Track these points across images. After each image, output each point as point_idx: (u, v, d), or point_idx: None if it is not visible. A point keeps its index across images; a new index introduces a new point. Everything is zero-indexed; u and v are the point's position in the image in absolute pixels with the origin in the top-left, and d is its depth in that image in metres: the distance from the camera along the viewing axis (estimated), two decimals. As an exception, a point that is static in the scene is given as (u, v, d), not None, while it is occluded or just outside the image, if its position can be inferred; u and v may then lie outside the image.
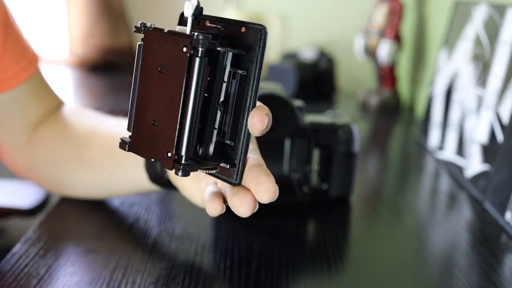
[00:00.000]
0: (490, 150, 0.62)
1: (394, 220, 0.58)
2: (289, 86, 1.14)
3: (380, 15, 1.10)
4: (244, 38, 0.32)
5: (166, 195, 0.60)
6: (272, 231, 0.53)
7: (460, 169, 0.69)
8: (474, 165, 0.66)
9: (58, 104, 0.59)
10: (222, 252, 0.48)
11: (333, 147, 0.57)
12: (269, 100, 0.53)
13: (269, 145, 0.59)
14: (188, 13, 0.31)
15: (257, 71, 0.32)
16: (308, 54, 1.26)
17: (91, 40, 1.52)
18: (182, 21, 0.34)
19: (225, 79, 0.33)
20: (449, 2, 0.90)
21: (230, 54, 0.32)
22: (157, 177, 0.49)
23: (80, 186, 0.55)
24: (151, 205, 0.57)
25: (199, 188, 0.42)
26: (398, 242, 0.53)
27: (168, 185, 0.49)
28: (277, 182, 0.61)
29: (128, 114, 0.34)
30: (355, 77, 1.43)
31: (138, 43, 0.33)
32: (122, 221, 0.53)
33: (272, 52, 1.42)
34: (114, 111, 0.85)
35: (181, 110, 0.30)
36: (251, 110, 0.32)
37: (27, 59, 0.55)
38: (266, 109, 0.32)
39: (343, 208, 0.59)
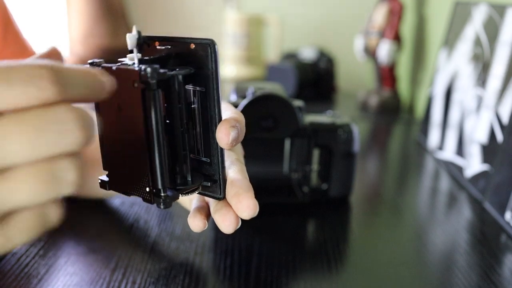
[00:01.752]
0: (489, 150, 0.62)
1: (394, 220, 0.58)
2: (289, 86, 1.14)
3: (380, 15, 1.10)
4: (195, 54, 0.32)
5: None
6: (272, 231, 0.53)
7: (460, 169, 0.69)
8: (474, 165, 0.66)
9: None
10: (222, 252, 0.48)
11: (333, 147, 0.57)
12: (269, 100, 0.53)
13: (269, 145, 0.59)
14: (132, 45, 0.31)
15: (215, 85, 0.32)
16: (308, 54, 1.26)
17: (91, 41, 1.52)
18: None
19: (182, 101, 0.32)
20: (449, 2, 0.90)
21: (181, 76, 0.32)
22: None
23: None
24: (151, 205, 0.57)
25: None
26: (398, 242, 0.53)
27: None
28: (277, 182, 0.61)
29: (101, 154, 0.33)
30: (355, 77, 1.43)
31: None
32: (122, 221, 0.53)
33: (272, 52, 1.42)
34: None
35: (148, 145, 0.30)
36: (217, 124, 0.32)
37: (26, 56, 0.55)
38: (231, 121, 0.32)
39: (343, 208, 0.59)
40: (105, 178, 0.34)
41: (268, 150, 0.59)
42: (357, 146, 0.58)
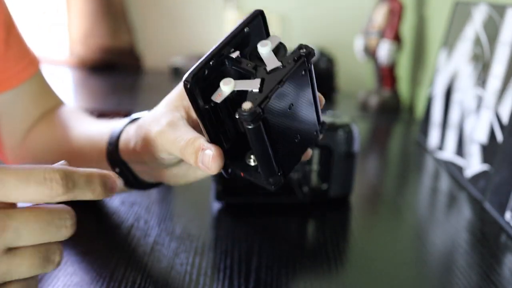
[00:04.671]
0: (489, 150, 0.62)
1: (394, 220, 0.58)
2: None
3: (380, 15, 1.10)
4: (250, 35, 0.35)
5: (166, 195, 0.60)
6: (272, 231, 0.53)
7: (460, 169, 0.69)
8: (473, 165, 0.66)
9: (57, 104, 0.59)
10: (222, 252, 0.48)
11: (333, 147, 0.57)
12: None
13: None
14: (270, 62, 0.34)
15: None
16: (308, 54, 1.26)
17: (91, 40, 1.52)
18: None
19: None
20: (449, 2, 0.90)
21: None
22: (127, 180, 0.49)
23: None
24: (151, 205, 0.57)
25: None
26: (398, 242, 0.53)
27: (134, 184, 0.49)
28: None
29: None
30: (355, 77, 1.43)
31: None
32: (122, 221, 0.53)
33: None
34: (114, 112, 0.85)
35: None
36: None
37: (28, 59, 0.55)
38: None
39: (343, 208, 0.59)
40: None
41: None
42: (357, 146, 0.58)
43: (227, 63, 0.34)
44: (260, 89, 0.32)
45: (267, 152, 0.33)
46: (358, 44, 1.15)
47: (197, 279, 0.43)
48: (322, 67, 1.22)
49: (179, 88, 0.42)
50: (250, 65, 0.33)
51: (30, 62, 0.55)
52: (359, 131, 0.58)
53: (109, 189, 0.30)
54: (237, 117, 0.30)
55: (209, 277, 0.44)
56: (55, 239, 0.30)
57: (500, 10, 0.67)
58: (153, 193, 0.59)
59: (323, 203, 0.59)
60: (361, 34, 1.16)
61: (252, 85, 0.32)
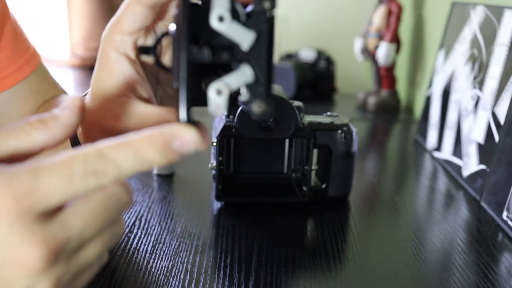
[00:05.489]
0: (486, 150, 0.63)
1: (392, 219, 0.58)
2: (288, 87, 1.14)
3: (378, 17, 1.10)
4: None
5: (167, 194, 0.60)
6: (272, 230, 0.53)
7: (457, 169, 0.70)
8: (471, 165, 0.66)
9: (58, 93, 0.58)
10: (223, 250, 0.48)
11: (332, 147, 0.57)
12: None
13: (268, 145, 0.60)
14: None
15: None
16: (307, 55, 1.27)
17: (92, 41, 1.52)
18: None
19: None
20: (446, 3, 0.91)
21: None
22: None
23: None
24: (152, 203, 0.57)
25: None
26: (396, 241, 0.53)
27: None
28: (277, 182, 0.62)
29: None
30: (354, 78, 1.43)
31: None
32: (123, 219, 0.53)
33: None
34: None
35: None
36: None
37: (24, 59, 0.54)
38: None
39: (342, 207, 0.60)
40: None
41: (267, 150, 0.60)
42: (356, 146, 0.58)
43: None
44: (255, 77, 0.28)
45: None
46: (357, 45, 1.16)
47: (197, 278, 0.43)
48: (321, 68, 1.23)
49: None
50: (225, 55, 0.28)
51: (25, 62, 0.54)
52: (358, 131, 0.59)
53: (178, 150, 0.26)
54: (253, 118, 0.29)
55: (209, 275, 0.44)
56: (116, 218, 0.28)
57: (497, 12, 0.68)
58: (154, 192, 0.60)
59: (322, 202, 0.59)
60: (360, 35, 1.16)
61: (244, 77, 0.28)
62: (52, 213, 0.26)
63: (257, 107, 0.28)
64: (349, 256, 0.50)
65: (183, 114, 0.27)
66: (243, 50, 0.28)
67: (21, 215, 0.25)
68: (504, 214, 0.55)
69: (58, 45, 1.61)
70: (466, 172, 0.67)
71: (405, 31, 1.19)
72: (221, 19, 0.27)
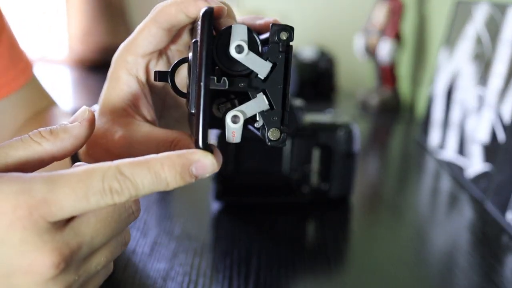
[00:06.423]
0: (491, 150, 0.62)
1: (394, 220, 0.58)
2: (289, 85, 1.14)
3: (380, 14, 1.10)
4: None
5: (165, 195, 0.59)
6: (272, 231, 0.53)
7: (461, 169, 0.69)
8: (475, 165, 0.65)
9: (49, 104, 0.58)
10: (222, 252, 0.48)
11: (333, 147, 0.57)
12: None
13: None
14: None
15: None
16: (308, 53, 1.26)
17: (90, 39, 1.51)
18: None
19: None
20: (449, 1, 0.90)
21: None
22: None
23: None
24: (150, 205, 0.57)
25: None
26: (398, 242, 0.52)
27: None
28: (277, 182, 0.61)
29: None
30: (355, 76, 1.43)
31: None
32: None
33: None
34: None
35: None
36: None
37: (19, 68, 0.53)
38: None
39: (343, 208, 0.59)
40: None
41: (268, 150, 0.59)
42: (357, 145, 0.58)
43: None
44: (270, 105, 0.29)
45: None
46: (358, 43, 1.15)
47: (196, 280, 0.43)
48: (322, 67, 1.22)
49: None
50: (243, 84, 0.29)
51: (21, 72, 0.54)
52: (359, 130, 0.58)
53: (195, 174, 0.28)
54: (268, 144, 0.30)
55: (208, 277, 0.43)
56: (124, 229, 0.29)
57: (501, 9, 0.67)
58: (153, 193, 0.59)
59: (323, 203, 0.58)
60: (361, 33, 1.16)
61: (260, 105, 0.30)
62: (65, 221, 0.27)
63: (271, 135, 0.29)
64: (350, 258, 0.49)
65: (202, 140, 0.28)
66: (259, 79, 0.29)
67: (34, 224, 0.25)
68: (509, 215, 0.54)
69: (56, 43, 1.60)
70: (470, 172, 0.66)
71: (407, 28, 1.19)
72: (239, 49, 0.28)
